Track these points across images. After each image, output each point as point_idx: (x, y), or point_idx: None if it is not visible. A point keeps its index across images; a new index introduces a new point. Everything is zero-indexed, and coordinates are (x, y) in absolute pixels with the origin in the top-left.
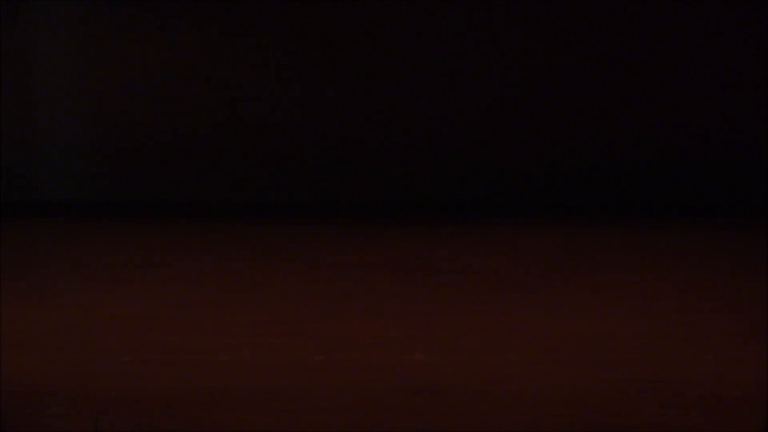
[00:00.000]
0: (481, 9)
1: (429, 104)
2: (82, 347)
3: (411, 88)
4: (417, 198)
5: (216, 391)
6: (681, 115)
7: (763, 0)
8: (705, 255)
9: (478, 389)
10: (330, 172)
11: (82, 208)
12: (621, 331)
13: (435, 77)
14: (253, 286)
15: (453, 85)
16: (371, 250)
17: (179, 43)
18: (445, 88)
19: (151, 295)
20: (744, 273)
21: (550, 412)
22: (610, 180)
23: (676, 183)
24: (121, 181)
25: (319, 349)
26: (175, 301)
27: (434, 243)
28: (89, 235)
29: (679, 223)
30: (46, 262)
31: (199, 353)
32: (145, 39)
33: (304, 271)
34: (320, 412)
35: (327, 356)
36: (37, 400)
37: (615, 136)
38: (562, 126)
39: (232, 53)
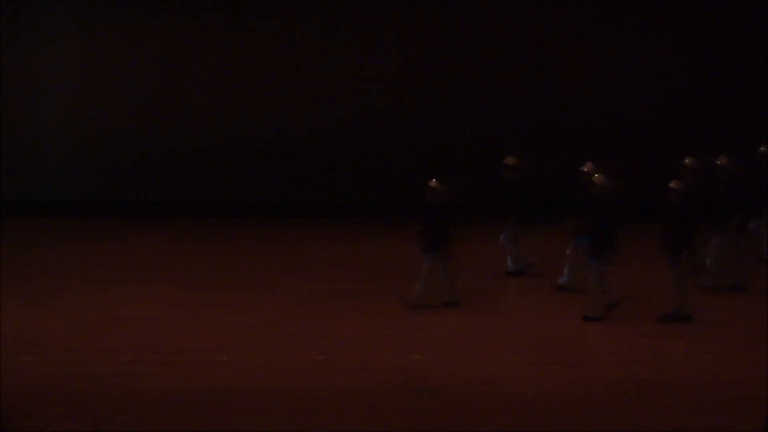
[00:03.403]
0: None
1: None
2: (82, 347)
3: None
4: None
5: (216, 391)
6: None
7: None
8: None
9: (478, 389)
10: (330, 174)
11: (82, 208)
12: (621, 331)
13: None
14: (253, 286)
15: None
16: (371, 250)
17: (178, 47)
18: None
19: (151, 295)
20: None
21: (550, 412)
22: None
23: None
24: (122, 181)
25: (319, 349)
26: (175, 301)
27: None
28: (89, 235)
29: None
30: (46, 262)
31: (199, 353)
32: (144, 42)
33: (304, 271)
34: (320, 412)
35: (327, 356)
36: (37, 400)
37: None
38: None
39: (232, 57)
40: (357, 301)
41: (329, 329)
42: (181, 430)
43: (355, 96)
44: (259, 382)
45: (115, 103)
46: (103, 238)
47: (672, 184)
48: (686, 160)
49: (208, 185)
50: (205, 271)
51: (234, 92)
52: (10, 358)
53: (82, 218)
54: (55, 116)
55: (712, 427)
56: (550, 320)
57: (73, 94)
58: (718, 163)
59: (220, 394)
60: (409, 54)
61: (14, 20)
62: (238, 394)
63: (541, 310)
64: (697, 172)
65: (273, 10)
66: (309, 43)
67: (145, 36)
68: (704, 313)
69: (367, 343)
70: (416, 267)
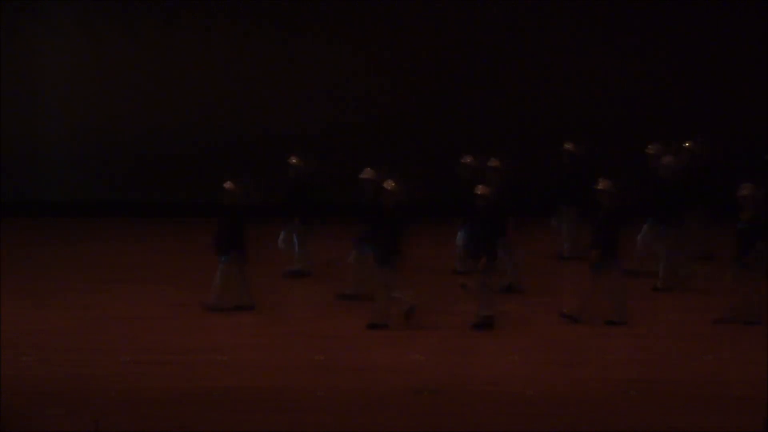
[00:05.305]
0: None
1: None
2: (82, 347)
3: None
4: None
5: (216, 391)
6: None
7: None
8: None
9: (478, 389)
10: (330, 174)
11: (82, 208)
12: (620, 332)
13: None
14: (253, 286)
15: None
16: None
17: (179, 47)
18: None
19: (151, 295)
20: None
21: (550, 412)
22: None
23: None
24: (122, 181)
25: (319, 349)
26: (175, 301)
27: (435, 243)
28: (89, 235)
29: None
30: (46, 262)
31: (199, 353)
32: (145, 43)
33: None
34: (320, 412)
35: (327, 356)
36: (37, 400)
37: None
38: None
39: (232, 57)
40: (357, 301)
41: (329, 329)
42: (181, 430)
43: (353, 97)
44: (259, 382)
45: (116, 103)
46: (103, 238)
47: (479, 190)
48: (466, 159)
49: (208, 185)
50: (205, 271)
51: (235, 93)
52: (10, 358)
53: (82, 218)
54: (55, 116)
55: (712, 427)
56: (548, 321)
57: (73, 94)
58: (490, 165)
59: (220, 394)
60: (403, 56)
61: (15, 19)
62: (238, 394)
63: (540, 311)
64: (473, 169)
65: (273, 10)
66: (309, 44)
67: (146, 36)
68: (704, 314)
69: (367, 343)
70: (420, 268)
